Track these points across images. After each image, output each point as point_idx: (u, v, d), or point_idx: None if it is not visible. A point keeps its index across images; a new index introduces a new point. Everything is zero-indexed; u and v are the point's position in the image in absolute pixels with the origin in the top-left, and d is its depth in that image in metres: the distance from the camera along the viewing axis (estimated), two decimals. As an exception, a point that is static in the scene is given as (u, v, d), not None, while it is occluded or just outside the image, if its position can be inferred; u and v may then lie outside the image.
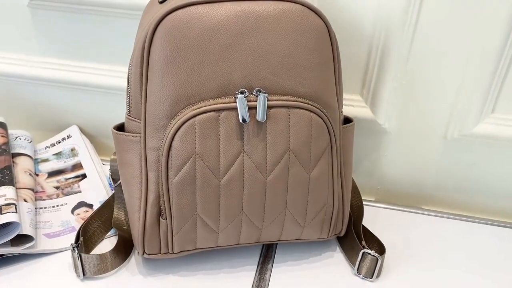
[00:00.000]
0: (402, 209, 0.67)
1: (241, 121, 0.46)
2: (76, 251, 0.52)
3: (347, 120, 0.56)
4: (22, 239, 0.55)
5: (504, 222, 0.66)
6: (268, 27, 0.46)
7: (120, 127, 0.53)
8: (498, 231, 0.63)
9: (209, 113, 0.46)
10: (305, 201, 0.50)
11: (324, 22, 0.49)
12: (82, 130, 0.78)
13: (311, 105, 0.48)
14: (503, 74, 0.59)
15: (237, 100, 0.46)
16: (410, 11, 0.57)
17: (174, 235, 0.50)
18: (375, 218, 0.64)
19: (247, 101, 0.46)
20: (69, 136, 0.76)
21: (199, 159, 0.46)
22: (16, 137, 0.72)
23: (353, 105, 0.65)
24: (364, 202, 0.65)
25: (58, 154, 0.73)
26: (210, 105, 0.46)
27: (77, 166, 0.71)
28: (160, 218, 0.50)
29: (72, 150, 0.74)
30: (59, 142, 0.75)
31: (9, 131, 0.72)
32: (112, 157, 0.59)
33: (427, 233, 0.62)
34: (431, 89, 0.62)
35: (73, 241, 0.54)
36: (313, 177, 0.50)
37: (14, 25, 0.70)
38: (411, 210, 0.67)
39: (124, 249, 0.55)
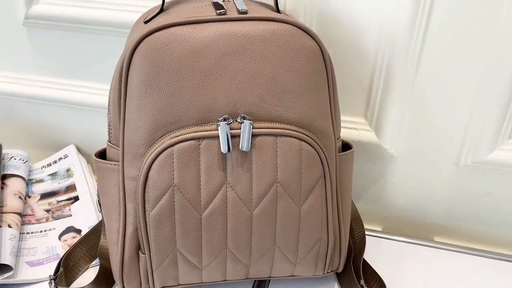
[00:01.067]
0: (409, 240, 0.62)
1: (223, 151, 0.42)
2: (53, 284, 0.49)
3: (346, 147, 0.52)
4: (2, 267, 0.53)
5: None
6: (255, 49, 0.43)
7: (103, 153, 0.51)
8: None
9: (189, 142, 0.43)
10: (295, 236, 0.46)
11: (317, 43, 0.45)
12: (79, 149, 0.76)
13: (301, 132, 0.44)
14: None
15: (219, 127, 0.42)
16: (416, 28, 0.53)
17: (154, 271, 0.46)
18: (379, 251, 0.60)
19: (231, 129, 0.43)
20: (65, 156, 0.74)
21: (177, 191, 0.43)
22: (12, 157, 0.71)
23: (356, 128, 0.61)
24: (369, 233, 0.61)
25: (53, 175, 0.71)
26: (190, 133, 0.43)
27: (71, 187, 0.69)
28: (140, 252, 0.46)
29: (67, 170, 0.72)
30: (55, 162, 0.74)
31: (6, 151, 0.71)
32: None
33: (437, 269, 0.57)
34: (441, 112, 0.57)
35: (52, 272, 0.52)
36: (304, 211, 0.45)
37: (10, 43, 0.69)
38: (419, 242, 0.62)
39: (105, 281, 0.52)
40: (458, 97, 0.56)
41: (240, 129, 0.43)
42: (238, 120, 0.43)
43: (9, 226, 0.57)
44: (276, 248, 0.46)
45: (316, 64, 0.45)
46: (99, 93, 0.69)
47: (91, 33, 0.65)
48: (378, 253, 0.59)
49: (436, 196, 0.63)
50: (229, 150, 0.42)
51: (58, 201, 0.67)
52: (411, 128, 0.59)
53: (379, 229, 0.68)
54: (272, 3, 0.54)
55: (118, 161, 0.46)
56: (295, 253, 0.47)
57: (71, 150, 0.75)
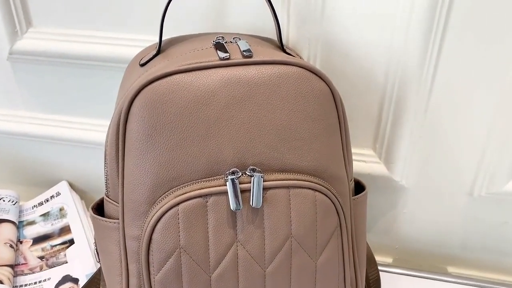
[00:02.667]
0: (423, 275, 0.60)
1: (232, 208, 0.39)
2: None
3: (358, 186, 0.49)
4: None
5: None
6: (262, 96, 0.40)
7: (100, 205, 0.47)
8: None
9: (195, 200, 0.39)
10: None
11: (327, 84, 0.42)
12: (72, 186, 0.72)
13: (315, 182, 0.41)
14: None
15: (227, 183, 0.39)
16: (427, 59, 0.50)
17: None
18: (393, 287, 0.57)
19: (240, 183, 0.39)
20: (58, 194, 0.70)
21: (184, 253, 0.40)
22: (0, 199, 0.67)
23: (365, 160, 0.58)
24: (380, 267, 0.58)
25: (45, 215, 0.68)
26: (196, 190, 0.39)
27: (65, 229, 0.65)
28: None
29: (60, 210, 0.68)
30: (47, 201, 0.70)
31: (-7, 192, 0.67)
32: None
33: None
34: (454, 144, 0.55)
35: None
36: (320, 265, 0.42)
37: (-6, 80, 0.65)
38: (433, 277, 0.59)
39: None
40: (472, 128, 0.53)
41: (250, 182, 0.40)
42: (248, 173, 0.40)
43: (1, 282, 0.54)
44: None
45: (327, 107, 0.42)
46: (91, 128, 0.66)
47: (79, 68, 0.61)
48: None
49: (449, 227, 0.61)
50: (239, 207, 0.39)
51: (52, 246, 0.63)
52: (422, 160, 0.56)
53: (390, 260, 0.65)
54: (273, 37, 0.51)
55: (118, 219, 0.43)
56: None
57: (63, 187, 0.71)
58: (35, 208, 0.69)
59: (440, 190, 0.58)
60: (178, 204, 0.39)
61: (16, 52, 0.61)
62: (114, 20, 0.57)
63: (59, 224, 0.66)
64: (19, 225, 0.66)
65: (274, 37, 0.51)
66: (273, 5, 0.45)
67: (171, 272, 0.40)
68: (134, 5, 0.56)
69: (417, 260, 0.64)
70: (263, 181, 0.40)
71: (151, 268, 0.40)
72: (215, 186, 0.39)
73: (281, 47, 0.47)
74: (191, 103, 0.39)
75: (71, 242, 0.63)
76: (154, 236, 0.40)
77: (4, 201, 0.67)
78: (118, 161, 0.41)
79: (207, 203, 0.39)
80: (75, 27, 0.59)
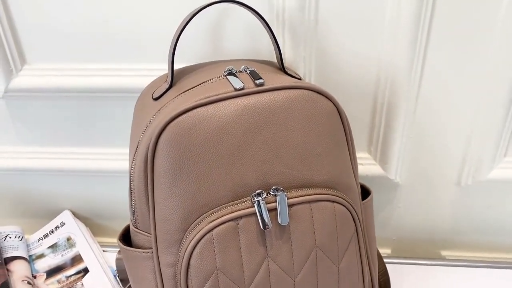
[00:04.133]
0: (420, 262, 0.65)
1: (262, 228, 0.42)
2: None
3: (363, 189, 0.53)
4: None
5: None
6: (278, 119, 0.43)
7: (126, 236, 0.49)
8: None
9: (227, 223, 0.42)
10: None
11: (333, 103, 0.46)
12: (75, 214, 0.73)
13: (332, 194, 0.45)
14: (513, 119, 0.57)
15: (255, 205, 0.42)
16: (414, 64, 0.55)
17: None
18: (395, 278, 0.62)
19: (266, 203, 0.43)
20: (62, 224, 0.71)
21: (221, 274, 0.43)
22: (6, 236, 0.67)
23: (362, 163, 0.62)
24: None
25: (53, 247, 0.68)
26: (227, 214, 0.42)
27: (77, 259, 0.66)
28: None
29: (68, 240, 0.69)
30: (52, 232, 0.70)
31: (-2, 229, 0.67)
32: (117, 256, 0.54)
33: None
34: (441, 140, 0.60)
35: None
36: (342, 268, 0.46)
37: (-11, 119, 0.65)
38: (429, 263, 0.65)
39: None
40: (456, 125, 0.58)
41: (275, 201, 0.43)
42: (272, 193, 0.43)
43: (29, 320, 0.55)
44: None
45: (335, 124, 0.46)
46: (90, 157, 0.67)
47: (74, 100, 0.62)
48: (393, 282, 0.61)
49: (441, 215, 0.66)
50: (268, 226, 0.42)
51: (67, 277, 0.64)
52: (413, 158, 0.61)
53: (389, 251, 0.70)
54: (270, 58, 0.54)
55: (151, 248, 0.45)
56: None
57: (67, 216, 0.72)
58: (41, 241, 0.70)
59: (430, 183, 0.63)
60: (212, 229, 0.42)
61: (12, 90, 0.61)
62: (107, 51, 0.59)
63: (69, 254, 0.67)
64: (29, 260, 0.66)
65: (272, 58, 0.54)
66: (272, 30, 0.49)
67: None
68: (121, 35, 0.57)
69: (413, 248, 0.69)
70: (287, 199, 0.43)
71: None
72: (244, 209, 0.42)
73: (283, 69, 0.50)
74: (213, 134, 0.42)
75: (86, 270, 0.65)
76: (192, 261, 0.42)
77: (10, 237, 0.67)
78: (148, 195, 0.44)
79: (238, 225, 0.42)
80: (69, 61, 0.60)
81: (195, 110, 0.42)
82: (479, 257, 0.67)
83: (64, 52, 0.59)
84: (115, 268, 0.65)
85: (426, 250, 0.69)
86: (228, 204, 0.43)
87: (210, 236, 0.42)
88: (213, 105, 0.42)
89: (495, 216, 0.65)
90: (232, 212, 0.42)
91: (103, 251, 0.68)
